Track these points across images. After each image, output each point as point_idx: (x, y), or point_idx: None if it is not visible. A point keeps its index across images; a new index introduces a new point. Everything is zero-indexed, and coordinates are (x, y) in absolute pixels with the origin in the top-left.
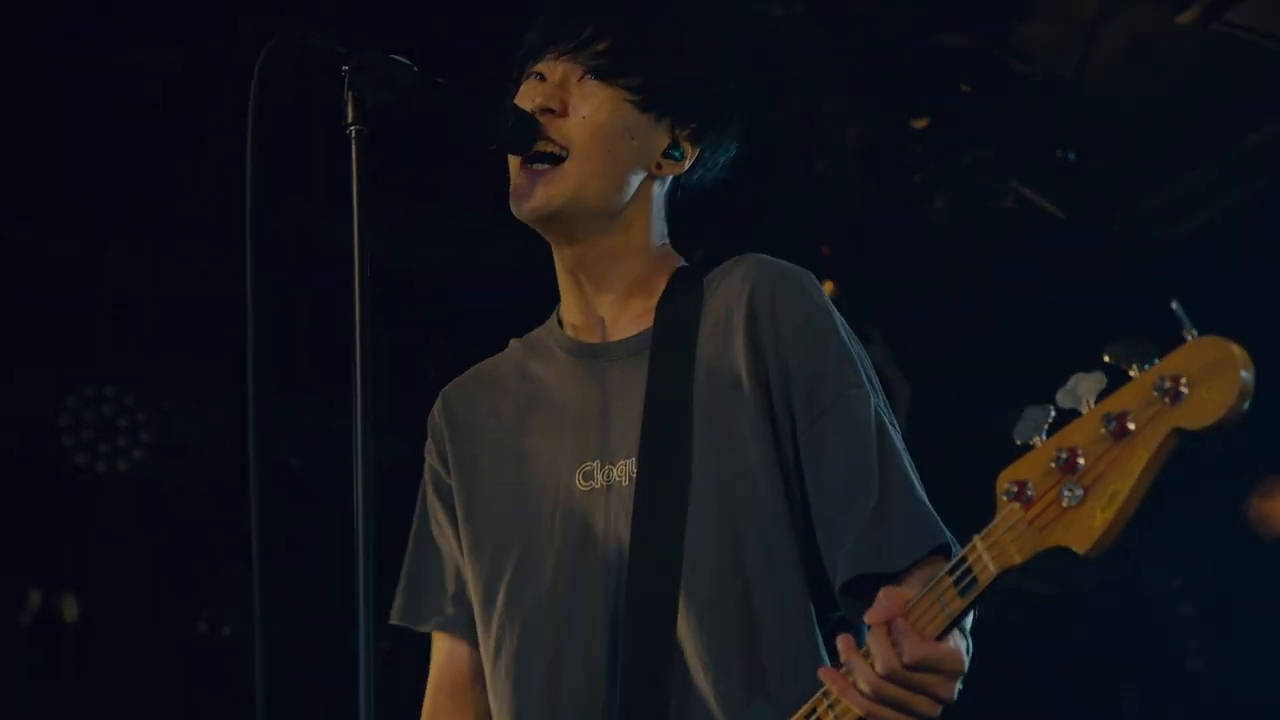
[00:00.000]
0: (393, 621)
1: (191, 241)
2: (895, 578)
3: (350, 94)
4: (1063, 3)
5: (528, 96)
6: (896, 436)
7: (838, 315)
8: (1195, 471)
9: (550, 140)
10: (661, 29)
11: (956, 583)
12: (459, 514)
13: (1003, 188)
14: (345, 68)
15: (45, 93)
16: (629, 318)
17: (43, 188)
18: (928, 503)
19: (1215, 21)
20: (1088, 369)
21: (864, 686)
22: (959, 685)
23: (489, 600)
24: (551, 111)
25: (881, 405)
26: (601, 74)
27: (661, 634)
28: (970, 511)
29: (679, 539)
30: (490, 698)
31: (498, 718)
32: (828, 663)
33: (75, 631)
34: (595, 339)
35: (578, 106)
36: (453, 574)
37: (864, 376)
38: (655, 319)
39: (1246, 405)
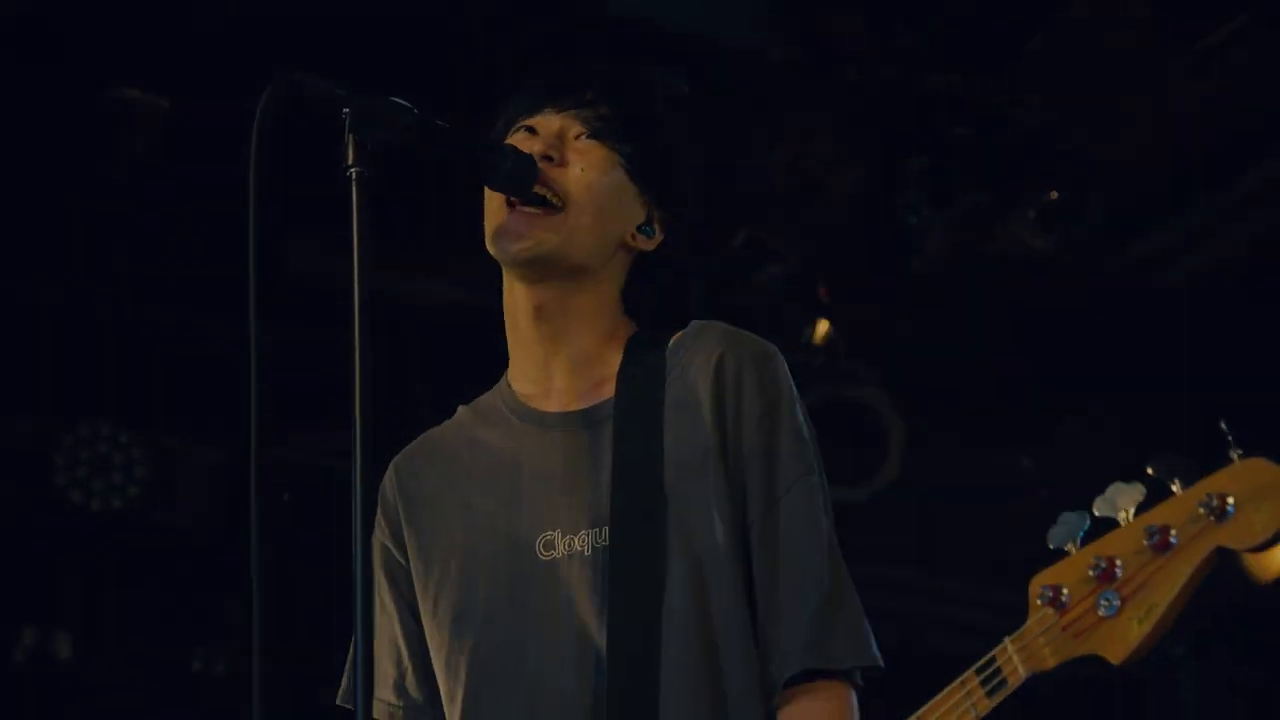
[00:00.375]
0: (338, 703)
1: (187, 282)
2: (831, 676)
3: (351, 136)
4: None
5: (523, 145)
6: (833, 532)
7: (796, 396)
8: None
9: (547, 187)
10: (657, 109)
11: (984, 683)
12: (417, 587)
13: (999, 230)
14: (345, 110)
15: (39, 139)
16: (586, 386)
17: (37, 231)
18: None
19: (1212, 62)
20: (1126, 479)
21: None
22: None
23: (452, 671)
24: (550, 159)
25: (826, 497)
26: (600, 135)
27: (647, 707)
28: (966, 553)
29: (656, 613)
30: None
31: None
32: None
33: (69, 669)
34: (552, 407)
35: (575, 160)
36: (397, 661)
37: (816, 464)
38: (618, 389)
39: None
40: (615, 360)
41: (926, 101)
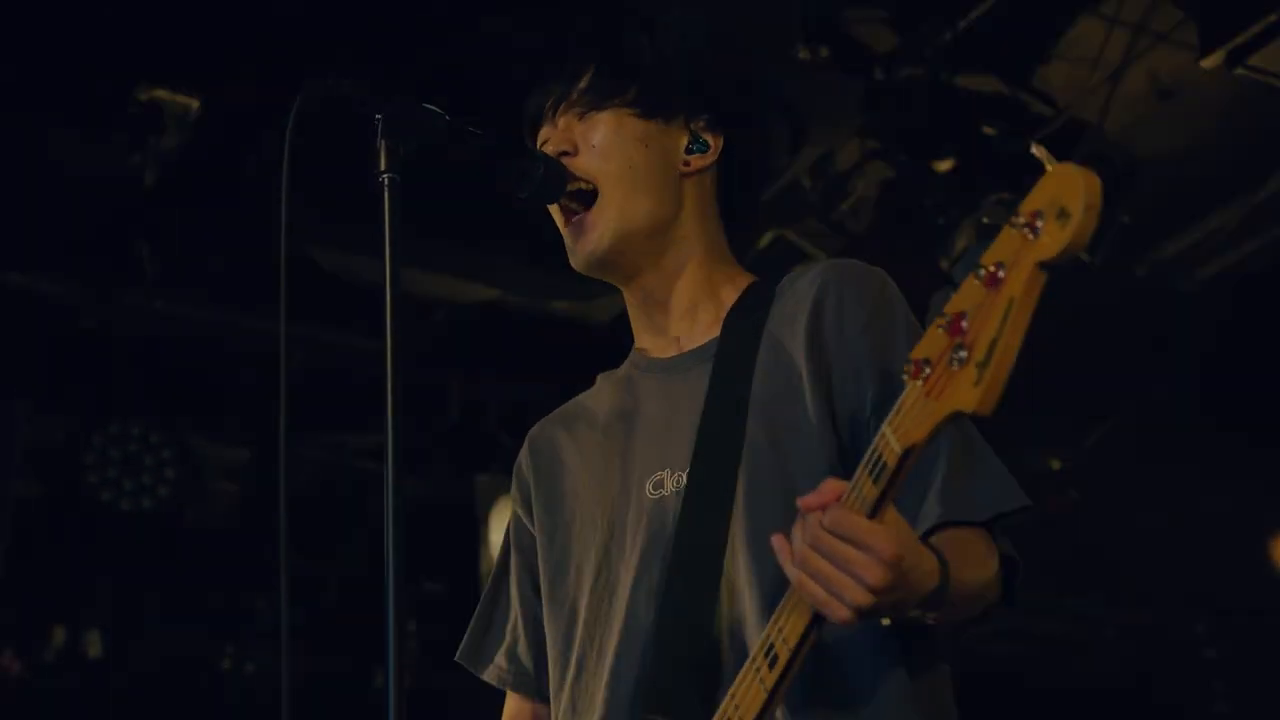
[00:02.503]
0: (456, 659)
1: (212, 284)
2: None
3: (383, 142)
4: (1087, 45)
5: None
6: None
7: (906, 307)
8: (1212, 520)
9: (576, 178)
10: (635, 42)
11: (870, 472)
12: (540, 555)
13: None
14: (378, 116)
15: (69, 139)
16: (700, 329)
17: (56, 229)
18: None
19: (1240, 66)
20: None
21: (795, 556)
22: (892, 578)
23: (572, 621)
24: (567, 153)
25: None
26: (594, 105)
27: (706, 622)
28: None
29: (720, 540)
30: (572, 696)
31: (587, 708)
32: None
33: (99, 667)
34: (669, 353)
35: (587, 139)
36: (513, 627)
37: None
38: (723, 328)
39: (1094, 223)
40: (730, 294)
41: (954, 101)
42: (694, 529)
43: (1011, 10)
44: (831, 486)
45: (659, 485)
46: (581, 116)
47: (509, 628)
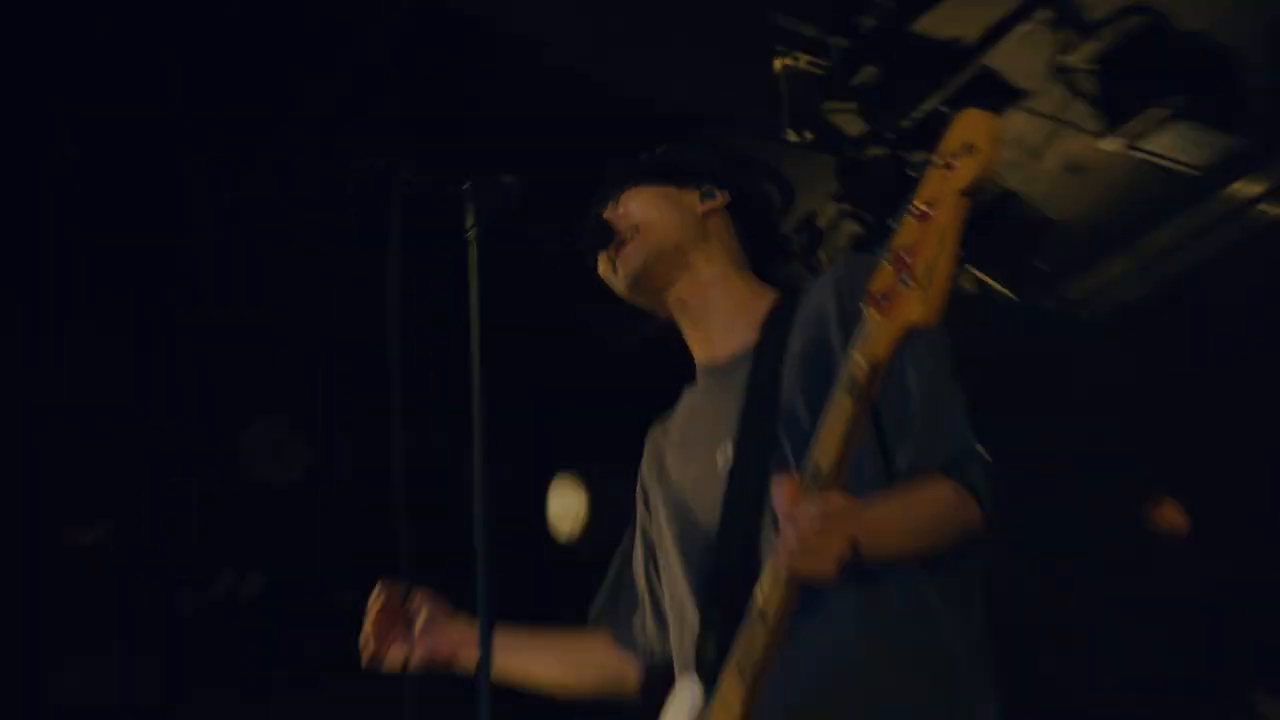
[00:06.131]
0: (590, 620)
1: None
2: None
3: (470, 206)
4: (1014, 131)
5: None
6: (955, 379)
7: None
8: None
9: (620, 231)
10: (650, 155)
11: (847, 390)
12: (653, 532)
13: (966, 277)
14: (465, 185)
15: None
16: (739, 338)
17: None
18: (969, 426)
19: (1133, 149)
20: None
21: (781, 549)
22: (847, 548)
23: (667, 558)
24: (613, 213)
25: (948, 351)
26: (630, 185)
27: (746, 570)
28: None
29: (762, 490)
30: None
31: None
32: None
33: (257, 604)
34: (718, 361)
35: (627, 205)
36: (636, 595)
37: (943, 330)
38: (760, 331)
39: (998, 153)
40: (763, 307)
41: (910, 173)
42: (738, 494)
43: (954, 105)
44: (788, 484)
45: (724, 454)
46: (617, 199)
47: (636, 598)
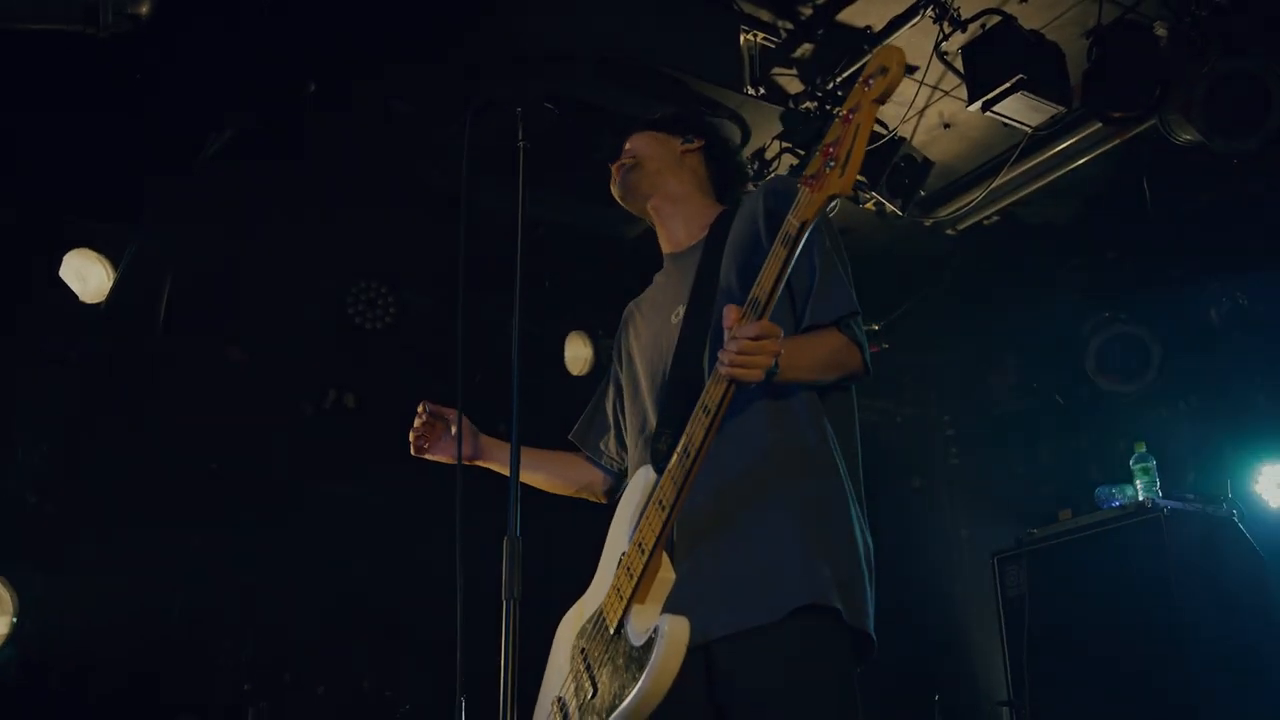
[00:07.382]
0: (570, 437)
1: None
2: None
3: (521, 124)
4: (905, 95)
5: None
6: (841, 257)
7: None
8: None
9: (624, 159)
10: (653, 113)
11: (782, 242)
12: (627, 364)
13: (866, 197)
14: (519, 109)
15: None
16: (694, 235)
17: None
18: (854, 295)
19: (990, 111)
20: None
21: (724, 355)
22: (774, 357)
23: (635, 391)
24: (623, 148)
25: (834, 240)
26: (638, 130)
27: (694, 388)
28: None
29: (704, 334)
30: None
31: (643, 426)
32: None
33: (355, 415)
34: (678, 249)
35: (634, 142)
36: (602, 419)
37: (829, 228)
38: (709, 230)
39: (901, 76)
40: (714, 215)
41: (832, 120)
42: (689, 337)
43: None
44: (733, 310)
45: (677, 315)
46: (629, 137)
47: (611, 423)
